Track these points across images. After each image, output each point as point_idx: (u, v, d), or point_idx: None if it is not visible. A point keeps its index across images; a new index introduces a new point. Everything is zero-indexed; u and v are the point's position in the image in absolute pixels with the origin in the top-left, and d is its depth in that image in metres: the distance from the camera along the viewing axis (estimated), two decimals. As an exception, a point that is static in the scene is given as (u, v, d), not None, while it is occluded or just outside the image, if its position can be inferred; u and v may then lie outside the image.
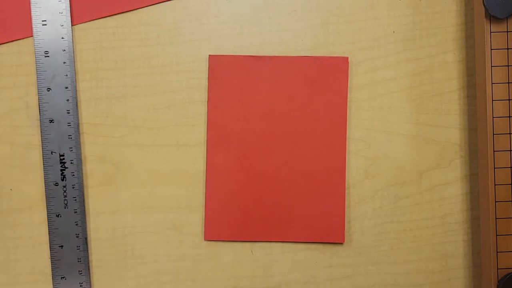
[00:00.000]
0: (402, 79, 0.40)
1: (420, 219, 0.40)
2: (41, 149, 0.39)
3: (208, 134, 0.39)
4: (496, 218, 0.37)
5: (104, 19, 0.39)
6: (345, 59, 0.39)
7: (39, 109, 0.38)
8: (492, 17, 0.36)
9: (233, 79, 0.39)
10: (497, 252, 0.37)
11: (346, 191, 0.40)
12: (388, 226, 0.40)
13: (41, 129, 0.39)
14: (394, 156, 0.40)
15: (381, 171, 0.40)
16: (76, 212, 0.39)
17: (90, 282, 0.39)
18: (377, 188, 0.40)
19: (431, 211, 0.40)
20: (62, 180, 0.39)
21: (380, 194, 0.40)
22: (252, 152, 0.39)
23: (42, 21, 0.38)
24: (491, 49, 0.36)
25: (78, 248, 0.39)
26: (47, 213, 0.39)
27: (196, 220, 0.40)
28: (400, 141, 0.40)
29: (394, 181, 0.40)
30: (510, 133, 0.37)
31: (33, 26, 0.38)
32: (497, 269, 0.37)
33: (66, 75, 0.39)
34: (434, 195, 0.40)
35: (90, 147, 0.40)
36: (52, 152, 0.39)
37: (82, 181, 0.39)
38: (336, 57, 0.39)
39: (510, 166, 0.37)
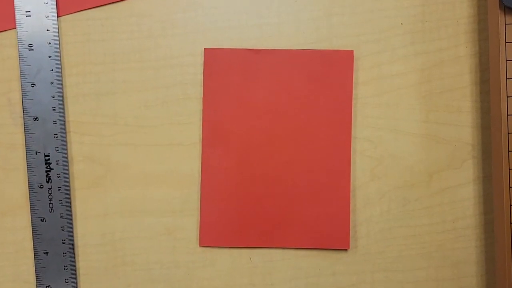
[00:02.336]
0: (410, 74, 0.39)
1: (430, 223, 0.39)
2: (24, 149, 0.39)
3: (203, 133, 0.39)
4: (511, 223, 0.36)
5: (92, 10, 0.38)
6: (350, 53, 0.38)
7: (23, 106, 0.38)
8: (506, 8, 0.35)
9: (230, 74, 0.38)
10: (513, 259, 0.37)
11: (351, 194, 0.39)
12: (396, 231, 0.39)
13: (24, 127, 0.38)
14: (402, 156, 0.39)
15: (388, 173, 0.39)
16: (62, 216, 0.38)
17: (77, 291, 0.39)
18: (384, 191, 0.39)
19: (442, 215, 0.40)
20: (47, 182, 0.38)
21: (387, 197, 0.39)
22: (250, 152, 0.39)
23: (26, 12, 0.38)
24: (505, 42, 0.36)
25: (64, 254, 0.38)
26: (31, 217, 0.38)
27: (190, 224, 0.39)
28: (408, 140, 0.39)
29: (402, 183, 0.39)
30: (527, 132, 0.36)
31: (16, 18, 0.38)
32: (513, 277, 0.36)
33: (52, 70, 0.38)
34: (444, 198, 0.39)
35: (77, 147, 0.39)
36: (36, 152, 0.38)
37: (69, 183, 0.38)
38: (340, 50, 0.38)
39: (527, 167, 0.36)
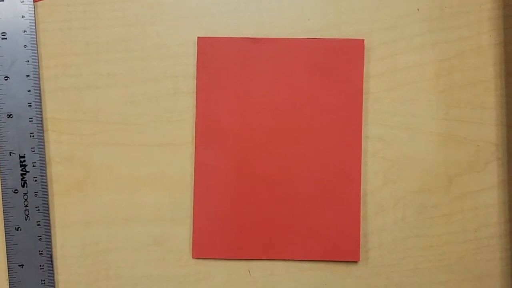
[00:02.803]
0: (428, 66, 0.39)
1: (449, 232, 0.39)
2: (-3, 149, 0.38)
3: (196, 131, 0.38)
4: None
5: (73, -7, 0.38)
6: (361, 42, 0.38)
7: (-6, 101, 0.37)
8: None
9: (226, 66, 0.38)
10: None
11: (361, 200, 0.39)
12: (412, 241, 0.39)
13: (-4, 125, 0.38)
14: (418, 158, 0.39)
15: (403, 176, 0.39)
16: (39, 224, 0.38)
17: (55, 308, 0.39)
18: (398, 196, 0.39)
19: (463, 223, 0.39)
20: (23, 186, 0.38)
21: (402, 203, 0.39)
22: (249, 153, 0.38)
23: (-2, -4, 0.37)
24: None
25: (41, 267, 0.38)
26: (5, 226, 0.38)
27: (182, 234, 0.39)
28: (425, 140, 0.39)
29: (418, 187, 0.39)
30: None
31: (-13, 2, 0.37)
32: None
33: (28, 61, 0.38)
34: (466, 204, 0.39)
35: (56, 147, 0.38)
36: (10, 153, 0.38)
37: (47, 187, 0.38)
38: (350, 39, 0.38)
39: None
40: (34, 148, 0.37)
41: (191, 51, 0.38)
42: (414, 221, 0.39)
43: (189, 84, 0.38)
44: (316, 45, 0.38)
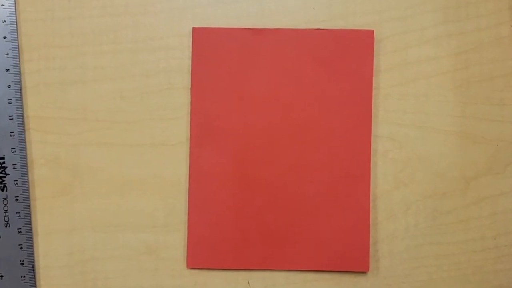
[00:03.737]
0: (442, 59, 0.39)
1: (466, 240, 0.39)
2: (-26, 150, 0.38)
3: (191, 130, 0.38)
4: None
5: (57, -20, 0.39)
6: (370, 33, 0.38)
7: (-29, 98, 0.38)
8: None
9: (224, 59, 0.38)
10: None
11: (370, 205, 0.39)
12: (425, 249, 0.39)
13: (-27, 124, 0.37)
14: (432, 159, 0.39)
15: (415, 178, 0.39)
16: (20, 231, 0.38)
17: (39, 322, 0.39)
18: (410, 200, 0.39)
19: (481, 230, 0.39)
20: (2, 190, 0.37)
21: (415, 208, 0.39)
22: (248, 154, 0.38)
23: (-25, -17, 0.38)
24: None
25: (23, 278, 0.38)
26: None
27: (176, 241, 0.39)
28: (439, 140, 0.39)
29: (432, 191, 0.39)
30: None
31: (-37, -10, 0.37)
32: None
33: (7, 54, 0.37)
34: (484, 210, 0.39)
35: (39, 148, 0.38)
36: None
37: (28, 191, 0.38)
38: (359, 30, 0.38)
39: None
40: (14, 148, 0.37)
41: (186, 43, 0.38)
42: (427, 228, 0.39)
43: (183, 79, 0.39)
44: (322, 36, 0.38)
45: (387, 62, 0.39)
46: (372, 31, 0.38)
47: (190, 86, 0.38)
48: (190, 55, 0.38)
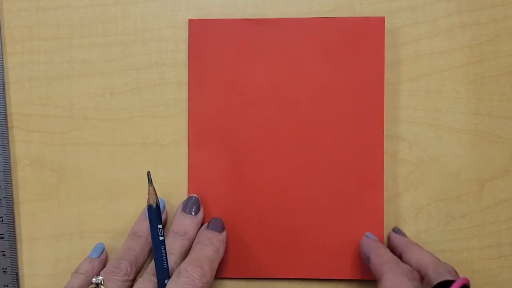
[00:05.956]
0: (456, 52, 0.38)
1: (481, 246, 0.38)
2: (-48, 150, 0.37)
3: (189, 129, 0.37)
4: None
5: (42, -32, 0.38)
6: (381, 20, 0.37)
7: (-50, 94, 0.37)
8: None
9: (223, 53, 0.37)
10: None
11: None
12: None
13: (-48, 122, 0.37)
14: (445, 160, 0.38)
15: (427, 181, 0.38)
16: (2, 237, 0.37)
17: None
18: (421, 204, 0.38)
19: (497, 236, 0.38)
20: None
21: (426, 212, 0.38)
22: (250, 155, 0.37)
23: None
24: None
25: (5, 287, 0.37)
26: None
27: None
28: (453, 139, 0.38)
29: (445, 194, 0.38)
30: None
31: None
32: None
33: None
34: (500, 214, 0.38)
35: (23, 147, 0.38)
36: None
37: (12, 194, 0.38)
38: (368, 17, 0.37)
39: None
40: (-4, 148, 0.35)
41: (180, 35, 0.38)
42: (439, 234, 0.38)
43: (178, 74, 0.38)
44: (328, 25, 0.37)
45: (396, 56, 0.38)
46: (383, 18, 0.37)
47: (184, 81, 0.38)
48: (184, 47, 0.38)
